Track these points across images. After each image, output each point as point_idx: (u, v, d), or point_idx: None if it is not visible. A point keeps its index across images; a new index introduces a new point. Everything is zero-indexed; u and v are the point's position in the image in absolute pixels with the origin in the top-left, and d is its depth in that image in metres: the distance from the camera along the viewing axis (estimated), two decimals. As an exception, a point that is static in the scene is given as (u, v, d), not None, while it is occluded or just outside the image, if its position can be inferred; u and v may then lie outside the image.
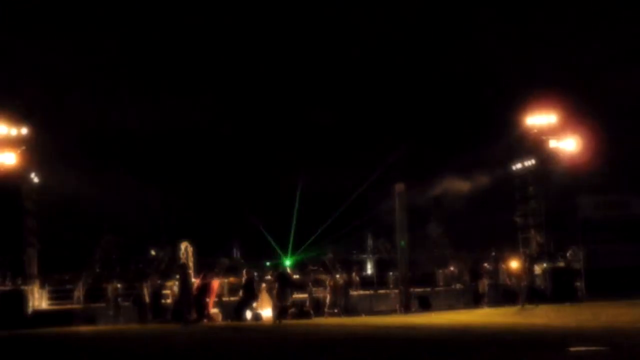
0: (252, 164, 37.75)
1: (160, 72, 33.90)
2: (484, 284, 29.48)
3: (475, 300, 29.51)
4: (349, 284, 28.77)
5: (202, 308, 25.61)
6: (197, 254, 29.80)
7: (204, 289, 25.86)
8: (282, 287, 24.54)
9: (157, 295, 27.12)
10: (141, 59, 33.41)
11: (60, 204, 30.63)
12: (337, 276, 28.22)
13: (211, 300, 26.17)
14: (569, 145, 31.47)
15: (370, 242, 37.80)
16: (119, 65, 33.05)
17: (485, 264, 32.75)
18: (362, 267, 38.11)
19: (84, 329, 23.50)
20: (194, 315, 25.24)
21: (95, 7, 30.52)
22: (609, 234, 31.46)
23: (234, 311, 26.06)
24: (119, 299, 26.65)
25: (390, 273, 32.58)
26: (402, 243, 30.85)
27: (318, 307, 27.20)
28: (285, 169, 37.04)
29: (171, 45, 33.46)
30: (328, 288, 27.29)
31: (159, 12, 31.46)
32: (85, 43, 31.80)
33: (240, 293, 26.57)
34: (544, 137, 31.61)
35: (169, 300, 27.60)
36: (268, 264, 36.65)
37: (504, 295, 29.56)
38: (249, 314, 25.94)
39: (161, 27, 32.13)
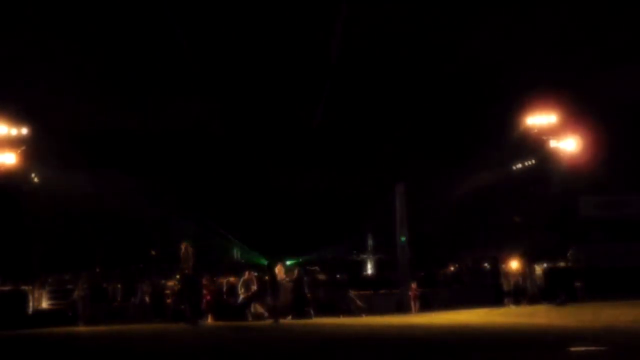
0: (250, 165, 37.77)
1: (160, 72, 33.90)
2: (510, 282, 29.27)
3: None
4: (347, 284, 28.80)
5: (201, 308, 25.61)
6: (197, 254, 29.84)
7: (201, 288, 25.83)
8: (274, 286, 24.64)
9: (159, 295, 27.12)
10: (141, 59, 33.41)
11: (60, 204, 30.65)
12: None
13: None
14: (569, 145, 31.48)
15: (370, 242, 37.88)
16: (117, 65, 33.05)
17: (486, 264, 32.81)
18: (363, 267, 38.21)
19: (84, 329, 23.49)
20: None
21: (93, 8, 30.52)
22: (609, 234, 31.48)
23: (237, 311, 26.04)
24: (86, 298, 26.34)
25: (391, 273, 32.61)
26: (403, 239, 30.93)
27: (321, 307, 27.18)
28: (284, 170, 37.07)
29: (168, 45, 33.48)
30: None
31: (155, 12, 31.48)
32: (84, 44, 31.82)
33: (242, 292, 26.55)
34: (544, 137, 31.63)
35: (168, 300, 27.59)
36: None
37: (504, 295, 29.54)
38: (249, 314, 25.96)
39: (158, 27, 32.14)
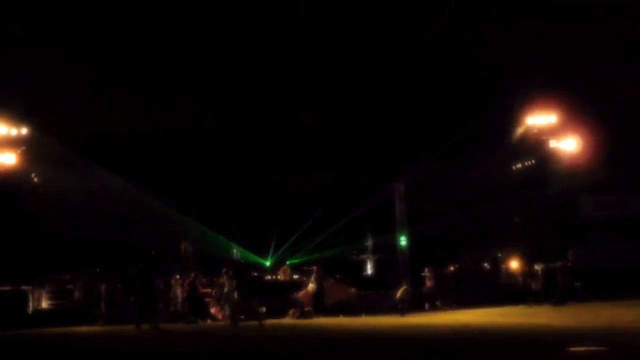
0: (249, 164, 37.74)
1: (159, 73, 33.90)
2: (538, 282, 29.15)
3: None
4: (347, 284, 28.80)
5: (197, 308, 25.60)
6: (196, 254, 29.86)
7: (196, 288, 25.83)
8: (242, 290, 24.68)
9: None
10: (139, 60, 33.42)
11: (60, 204, 30.62)
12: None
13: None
14: (569, 145, 31.50)
15: (370, 242, 37.84)
16: (116, 64, 33.05)
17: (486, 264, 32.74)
18: (363, 267, 38.18)
19: (84, 329, 23.48)
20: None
21: (91, 10, 30.52)
22: (609, 234, 31.48)
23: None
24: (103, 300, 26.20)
25: (391, 273, 32.58)
26: (402, 242, 30.96)
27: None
28: (284, 170, 37.05)
29: (166, 47, 33.53)
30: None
31: (152, 13, 31.53)
32: (84, 44, 31.84)
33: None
34: (544, 137, 31.64)
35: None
36: (268, 264, 36.74)
37: (504, 295, 29.50)
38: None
39: (155, 28, 32.20)
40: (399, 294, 26.79)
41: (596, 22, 30.43)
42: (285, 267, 31.17)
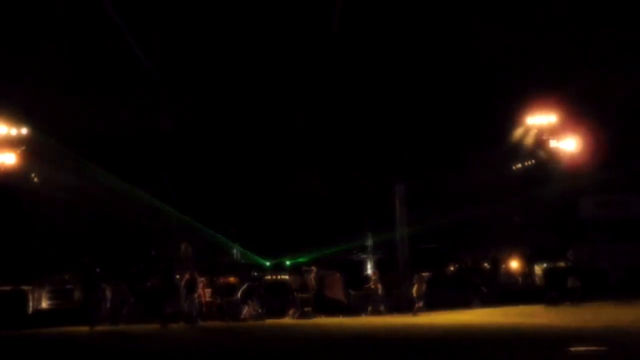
0: (248, 164, 37.74)
1: (158, 73, 33.87)
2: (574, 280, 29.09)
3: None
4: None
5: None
6: (196, 254, 29.84)
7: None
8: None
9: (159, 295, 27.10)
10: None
11: (60, 204, 30.63)
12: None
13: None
14: (569, 145, 31.51)
15: (370, 242, 37.83)
16: (115, 65, 33.04)
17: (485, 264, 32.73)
18: (363, 267, 38.17)
19: (84, 329, 23.48)
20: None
21: (90, 10, 30.53)
22: (609, 234, 31.49)
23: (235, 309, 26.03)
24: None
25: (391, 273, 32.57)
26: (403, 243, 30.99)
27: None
28: (283, 170, 37.05)
29: (165, 47, 33.54)
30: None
31: (151, 12, 31.55)
32: (83, 44, 31.84)
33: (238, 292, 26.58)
34: (544, 137, 31.67)
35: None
36: (268, 264, 36.69)
37: (504, 295, 29.51)
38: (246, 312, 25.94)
39: (154, 28, 32.19)
40: (414, 291, 26.65)
41: (597, 22, 30.45)
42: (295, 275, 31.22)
